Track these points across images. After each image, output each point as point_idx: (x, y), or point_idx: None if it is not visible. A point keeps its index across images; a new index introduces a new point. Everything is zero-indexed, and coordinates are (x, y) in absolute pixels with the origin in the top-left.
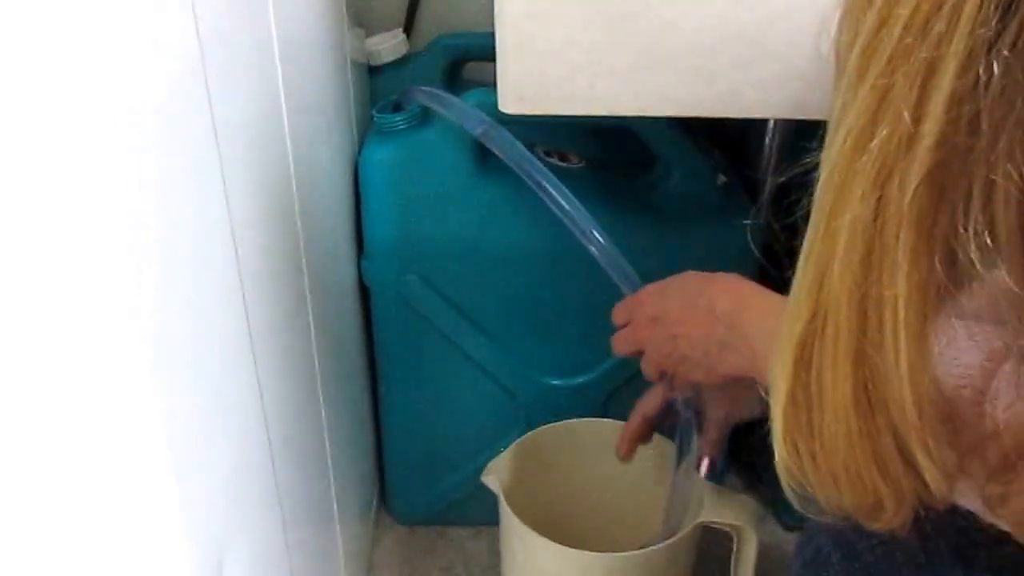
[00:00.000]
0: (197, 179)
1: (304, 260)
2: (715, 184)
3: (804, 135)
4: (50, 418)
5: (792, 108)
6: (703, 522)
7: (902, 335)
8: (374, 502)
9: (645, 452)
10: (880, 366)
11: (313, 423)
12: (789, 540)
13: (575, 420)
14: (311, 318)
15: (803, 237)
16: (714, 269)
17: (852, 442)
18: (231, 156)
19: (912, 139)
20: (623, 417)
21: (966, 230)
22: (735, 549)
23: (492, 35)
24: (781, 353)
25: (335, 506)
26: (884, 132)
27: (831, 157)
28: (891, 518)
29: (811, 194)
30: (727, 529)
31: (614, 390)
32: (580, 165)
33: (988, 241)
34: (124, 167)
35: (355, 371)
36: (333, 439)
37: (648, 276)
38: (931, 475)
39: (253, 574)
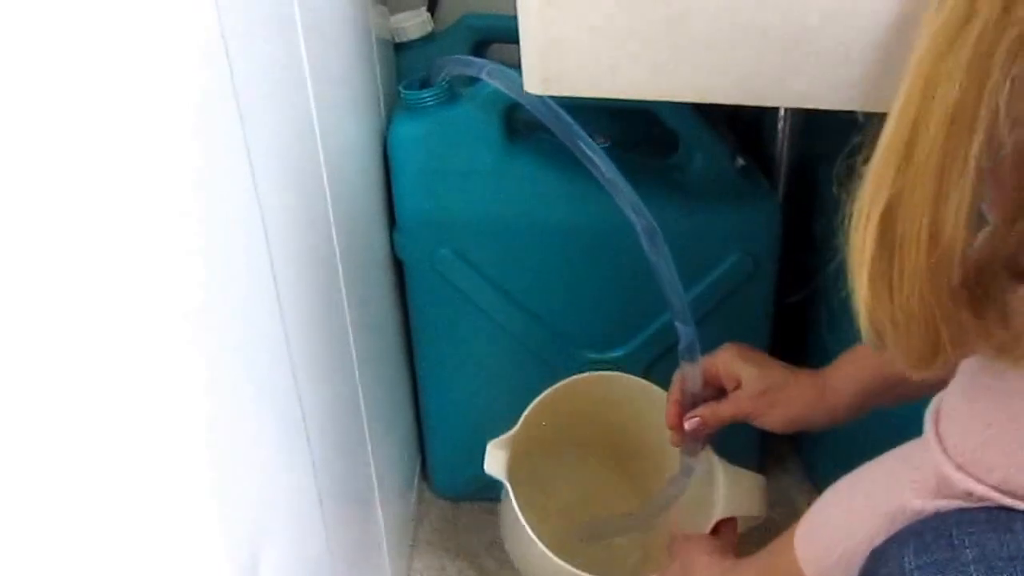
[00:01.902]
0: (226, 160)
1: (335, 234)
2: (734, 166)
3: (815, 121)
4: (86, 395)
5: (806, 98)
6: (720, 520)
7: (963, 211)
8: (416, 478)
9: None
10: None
11: (349, 398)
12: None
13: (576, 377)
14: (344, 292)
15: (821, 217)
16: (736, 249)
17: (925, 302)
18: (257, 134)
19: (1007, 8)
20: None
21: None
22: None
23: (516, 17)
24: (866, 220)
25: (375, 482)
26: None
27: (931, 29)
28: (943, 362)
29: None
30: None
31: (650, 363)
32: (605, 145)
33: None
34: (157, 155)
35: (391, 345)
36: (370, 414)
37: (675, 251)
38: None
39: (290, 554)
